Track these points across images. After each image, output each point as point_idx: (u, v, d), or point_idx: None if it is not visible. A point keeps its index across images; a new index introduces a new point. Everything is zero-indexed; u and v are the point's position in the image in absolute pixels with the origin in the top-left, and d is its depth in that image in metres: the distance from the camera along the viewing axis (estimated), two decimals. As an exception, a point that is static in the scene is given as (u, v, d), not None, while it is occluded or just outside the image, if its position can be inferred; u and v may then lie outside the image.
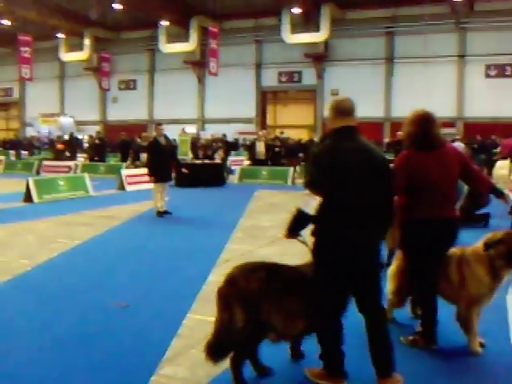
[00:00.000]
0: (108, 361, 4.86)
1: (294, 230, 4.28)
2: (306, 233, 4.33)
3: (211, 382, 4.47)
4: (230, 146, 32.56)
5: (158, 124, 14.48)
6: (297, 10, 37.03)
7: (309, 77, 41.04)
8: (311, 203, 4.06)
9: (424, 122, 5.04)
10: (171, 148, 15.04)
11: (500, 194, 5.38)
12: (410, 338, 5.30)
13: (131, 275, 7.94)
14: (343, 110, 4.35)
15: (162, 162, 13.62)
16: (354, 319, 4.53)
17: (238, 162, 28.21)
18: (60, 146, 29.97)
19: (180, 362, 4.88)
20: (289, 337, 4.58)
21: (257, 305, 4.23)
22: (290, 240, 4.38)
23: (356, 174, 4.13)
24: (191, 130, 38.66)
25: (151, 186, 13.89)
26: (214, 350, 4.29)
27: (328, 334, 4.38)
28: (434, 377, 4.66)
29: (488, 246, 5.01)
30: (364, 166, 4.17)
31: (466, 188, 10.83)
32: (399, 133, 21.07)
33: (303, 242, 4.43)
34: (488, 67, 35.78)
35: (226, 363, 4.56)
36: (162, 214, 13.63)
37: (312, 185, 4.10)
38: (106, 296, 6.82)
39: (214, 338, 4.33)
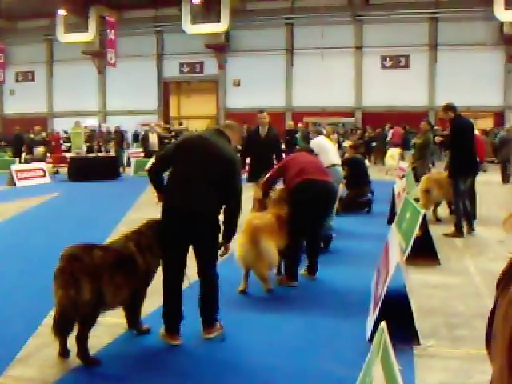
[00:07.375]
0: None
1: None
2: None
3: (58, 382, 4.39)
4: (133, 138, 32.08)
5: (260, 111, 11.44)
6: (197, 0, 36.90)
7: (211, 67, 41.02)
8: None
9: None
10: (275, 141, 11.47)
11: None
12: (278, 278, 7.12)
13: None
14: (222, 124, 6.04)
15: (260, 157, 10.88)
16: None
17: (138, 154, 27.69)
18: None
19: (31, 361, 4.76)
20: (114, 307, 5.14)
21: (100, 277, 4.70)
22: None
23: (191, 157, 5.25)
24: (93, 122, 37.79)
25: (45, 180, 12.96)
26: (63, 327, 4.63)
27: (167, 292, 5.18)
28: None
29: None
30: (202, 153, 5.26)
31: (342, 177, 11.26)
32: (290, 123, 21.52)
33: None
34: (384, 58, 37.03)
35: (74, 363, 4.55)
36: None
37: (156, 157, 5.87)
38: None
39: (60, 315, 4.58)
